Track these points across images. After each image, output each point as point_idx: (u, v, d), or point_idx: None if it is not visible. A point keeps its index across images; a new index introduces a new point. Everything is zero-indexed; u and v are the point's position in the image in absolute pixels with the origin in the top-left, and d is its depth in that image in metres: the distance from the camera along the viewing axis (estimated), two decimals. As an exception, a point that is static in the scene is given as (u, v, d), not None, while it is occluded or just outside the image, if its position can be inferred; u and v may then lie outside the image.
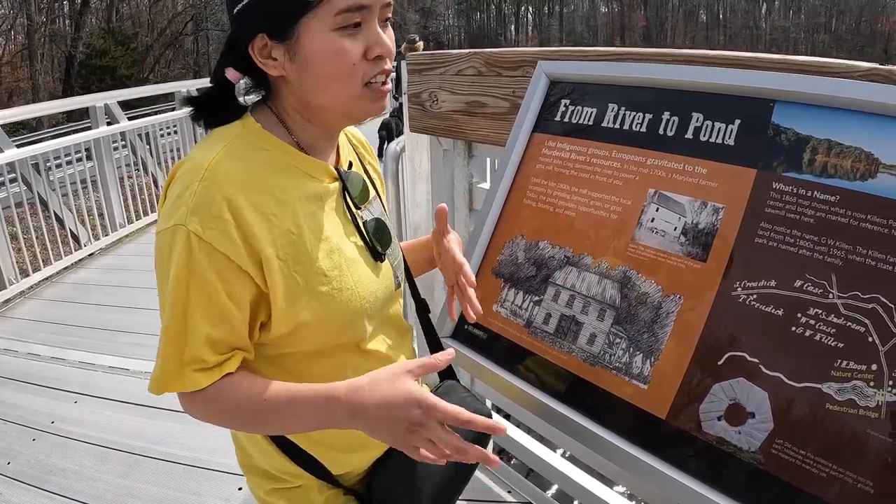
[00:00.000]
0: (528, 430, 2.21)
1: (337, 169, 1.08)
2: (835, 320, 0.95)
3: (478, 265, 1.36)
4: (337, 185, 1.07)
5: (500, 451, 2.45)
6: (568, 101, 1.35)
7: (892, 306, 0.91)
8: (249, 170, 0.96)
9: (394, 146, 2.34)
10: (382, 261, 1.13)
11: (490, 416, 1.34)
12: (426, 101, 1.93)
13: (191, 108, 1.06)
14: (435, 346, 1.38)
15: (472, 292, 1.17)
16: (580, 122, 1.31)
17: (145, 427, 2.76)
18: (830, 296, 0.96)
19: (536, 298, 1.26)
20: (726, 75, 1.17)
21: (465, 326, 1.34)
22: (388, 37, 0.99)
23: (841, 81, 1.05)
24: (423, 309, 1.37)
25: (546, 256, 1.27)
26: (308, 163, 1.03)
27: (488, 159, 2.04)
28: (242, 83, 1.01)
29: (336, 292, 1.01)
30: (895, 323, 0.90)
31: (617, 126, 1.26)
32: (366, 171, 1.21)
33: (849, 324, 0.94)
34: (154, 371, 0.97)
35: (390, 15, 1.01)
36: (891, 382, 0.89)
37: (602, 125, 1.28)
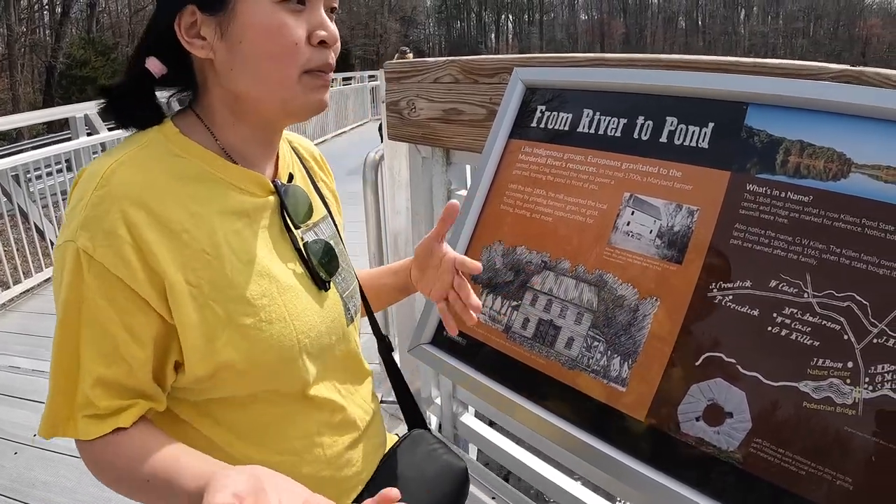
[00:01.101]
0: (508, 435, 2.22)
1: (274, 182, 0.95)
2: (810, 319, 0.96)
3: (456, 271, 1.36)
4: (273, 199, 0.94)
5: (479, 454, 2.46)
6: (544, 107, 1.36)
7: (867, 304, 0.92)
8: (153, 178, 0.82)
9: (372, 154, 2.34)
10: (327, 290, 1.00)
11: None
12: (404, 109, 1.94)
13: (102, 101, 0.90)
14: (403, 392, 1.28)
15: (469, 288, 1.06)
16: (556, 127, 1.32)
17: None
18: (805, 295, 0.97)
19: (514, 303, 1.26)
20: (699, 79, 1.18)
21: (444, 333, 1.34)
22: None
23: (812, 83, 1.06)
24: (386, 349, 1.27)
25: (523, 261, 1.27)
26: (233, 172, 0.89)
27: (467, 166, 2.05)
28: (166, 96, 0.91)
29: (265, 325, 0.86)
30: (870, 321, 0.91)
31: (592, 131, 1.27)
32: (316, 189, 1.09)
33: (824, 322, 0.94)
34: (44, 410, 0.84)
35: (336, 5, 0.92)
36: (867, 380, 0.89)
37: (577, 130, 1.29)
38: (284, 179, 0.98)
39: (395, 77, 1.97)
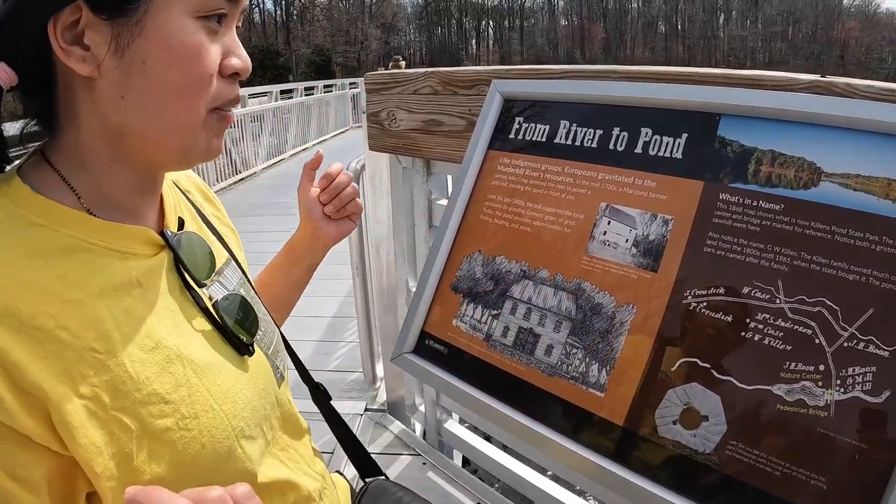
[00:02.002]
0: (493, 441, 2.23)
1: (162, 233, 0.75)
2: (782, 324, 0.98)
3: (437, 281, 1.38)
4: (165, 255, 0.75)
5: (465, 462, 2.48)
6: (522, 119, 1.38)
7: (837, 309, 0.94)
8: (4, 264, 0.60)
9: (354, 164, 2.36)
10: (252, 353, 0.81)
11: None
12: (384, 120, 1.96)
13: None
14: (349, 440, 1.17)
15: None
16: (534, 138, 1.34)
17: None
18: (777, 301, 0.99)
19: (495, 312, 1.28)
20: (673, 91, 1.20)
21: (426, 342, 1.36)
22: None
23: (783, 94, 1.09)
24: (322, 397, 1.13)
25: (503, 271, 1.29)
26: (110, 233, 0.68)
27: (447, 176, 2.07)
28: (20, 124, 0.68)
29: (189, 422, 0.68)
30: (840, 325, 0.93)
31: (569, 142, 1.29)
32: (211, 228, 0.91)
33: (796, 327, 0.97)
34: None
35: (241, 25, 0.74)
36: (838, 382, 0.92)
37: (555, 141, 1.31)
38: (174, 228, 0.78)
39: (376, 88, 1.98)
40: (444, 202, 2.09)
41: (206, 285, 0.79)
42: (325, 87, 19.26)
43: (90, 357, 0.61)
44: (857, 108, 1.00)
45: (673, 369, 1.06)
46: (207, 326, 0.76)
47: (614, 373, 1.11)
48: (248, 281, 0.93)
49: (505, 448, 2.17)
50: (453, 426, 2.33)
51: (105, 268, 0.66)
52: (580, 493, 2.00)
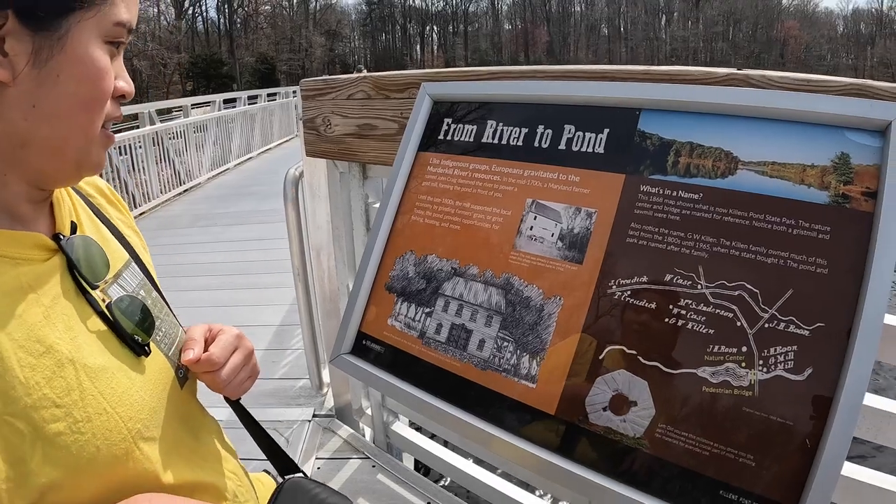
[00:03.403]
0: (438, 439, 2.25)
1: (54, 237, 0.76)
2: (704, 309, 1.02)
3: (371, 282, 1.40)
4: (58, 259, 0.75)
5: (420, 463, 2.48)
6: (450, 120, 1.40)
7: (757, 292, 0.98)
8: None
9: (292, 171, 2.36)
10: (148, 353, 0.81)
11: None
12: (320, 125, 1.96)
13: None
14: (263, 438, 1.15)
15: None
16: (462, 139, 1.37)
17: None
18: (699, 286, 1.03)
19: (428, 310, 1.30)
20: (595, 88, 1.24)
21: (364, 342, 1.37)
22: None
23: (700, 88, 1.13)
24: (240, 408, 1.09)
25: (434, 269, 1.31)
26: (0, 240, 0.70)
27: (383, 179, 2.08)
28: None
29: (82, 425, 0.68)
30: (761, 307, 0.97)
31: (496, 141, 1.31)
32: (112, 229, 0.92)
33: (718, 311, 1.01)
34: None
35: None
36: (761, 362, 0.96)
37: (482, 141, 1.34)
38: (67, 232, 0.79)
39: (311, 94, 1.99)
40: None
41: (99, 287, 0.79)
42: (269, 95, 19.05)
43: None
44: (771, 98, 1.05)
45: (601, 357, 1.09)
46: (102, 328, 0.76)
47: (544, 364, 1.14)
48: (152, 282, 0.93)
49: (453, 447, 2.19)
50: (400, 428, 2.33)
51: None
52: (531, 490, 2.03)
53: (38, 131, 0.68)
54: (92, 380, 0.71)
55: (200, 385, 0.97)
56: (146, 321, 0.83)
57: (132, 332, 0.79)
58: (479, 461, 2.10)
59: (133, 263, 0.89)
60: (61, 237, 0.76)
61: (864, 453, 4.00)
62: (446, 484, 2.36)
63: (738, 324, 0.99)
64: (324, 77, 1.99)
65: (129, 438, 0.72)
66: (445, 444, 2.21)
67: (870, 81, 1.06)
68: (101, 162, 0.76)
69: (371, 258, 1.38)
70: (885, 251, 0.89)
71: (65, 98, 0.68)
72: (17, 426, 0.63)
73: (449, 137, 1.39)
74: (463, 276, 1.27)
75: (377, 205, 2.09)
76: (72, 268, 0.76)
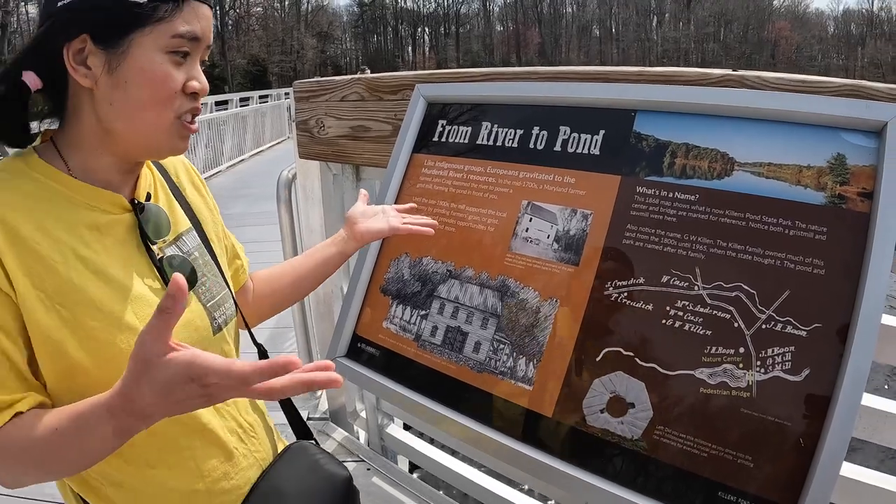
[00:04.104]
0: (434, 442, 2.24)
1: (130, 200, 0.96)
2: (701, 310, 1.02)
3: (366, 284, 1.39)
4: (128, 216, 0.96)
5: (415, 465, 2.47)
6: (445, 122, 1.40)
7: (754, 293, 0.98)
8: (8, 196, 0.86)
9: (285, 173, 2.35)
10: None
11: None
12: (313, 127, 1.95)
13: None
14: (286, 403, 1.26)
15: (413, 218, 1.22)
16: (457, 140, 1.36)
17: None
18: (696, 288, 1.03)
19: (423, 312, 1.30)
20: (590, 89, 1.24)
21: (359, 345, 1.36)
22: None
23: (695, 89, 1.13)
24: (262, 356, 1.20)
25: (430, 271, 1.31)
26: (87, 192, 0.91)
27: (377, 181, 2.08)
28: (42, 107, 0.91)
29: (114, 330, 0.87)
30: (758, 308, 0.98)
31: (491, 143, 1.31)
32: (184, 201, 1.10)
33: (715, 312, 1.01)
34: None
35: (206, 59, 0.97)
36: (758, 363, 0.96)
37: (477, 142, 1.33)
38: (142, 199, 0.99)
39: (304, 96, 1.98)
40: (374, 207, 2.07)
41: (158, 244, 0.99)
42: (261, 97, 19.02)
43: (47, 263, 0.84)
44: (766, 99, 1.05)
45: (598, 359, 1.09)
46: (153, 275, 0.96)
47: (541, 366, 1.14)
48: (211, 250, 1.11)
49: (446, 448, 2.18)
50: (395, 430, 2.32)
51: (76, 213, 0.90)
52: (528, 492, 2.02)
53: (116, 123, 0.89)
54: (131, 303, 0.90)
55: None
56: (189, 275, 1.00)
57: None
58: (474, 464, 2.09)
59: (193, 231, 1.08)
60: (135, 201, 0.97)
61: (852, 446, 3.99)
62: (441, 486, 2.35)
63: (736, 325, 0.99)
64: (317, 79, 1.98)
65: None
66: (446, 448, 2.20)
67: (865, 82, 1.06)
68: (176, 146, 0.94)
69: (366, 260, 1.38)
70: (882, 251, 0.89)
71: (133, 99, 0.87)
72: (63, 313, 0.84)
73: (443, 139, 1.39)
74: (458, 279, 1.27)
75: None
76: (140, 226, 0.96)
